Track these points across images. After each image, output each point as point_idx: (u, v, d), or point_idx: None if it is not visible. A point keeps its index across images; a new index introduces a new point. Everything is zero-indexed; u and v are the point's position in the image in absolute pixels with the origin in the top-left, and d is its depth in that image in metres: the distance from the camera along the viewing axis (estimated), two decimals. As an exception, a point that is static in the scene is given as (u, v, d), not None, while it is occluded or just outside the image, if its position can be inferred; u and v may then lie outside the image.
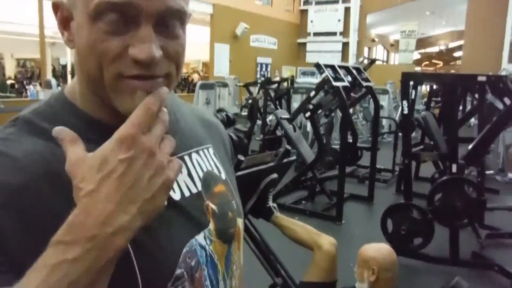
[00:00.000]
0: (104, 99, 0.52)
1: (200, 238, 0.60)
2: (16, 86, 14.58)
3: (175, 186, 0.59)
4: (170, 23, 0.50)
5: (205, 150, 0.69)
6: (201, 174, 0.65)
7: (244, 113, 8.63)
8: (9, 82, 14.91)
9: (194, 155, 0.66)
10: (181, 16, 0.51)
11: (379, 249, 1.91)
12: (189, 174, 0.63)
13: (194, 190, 0.62)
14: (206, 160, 0.68)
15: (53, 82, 7.28)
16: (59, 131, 0.46)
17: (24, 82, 14.80)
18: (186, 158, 0.64)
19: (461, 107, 6.27)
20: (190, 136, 0.67)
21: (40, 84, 11.45)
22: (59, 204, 0.47)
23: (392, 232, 3.33)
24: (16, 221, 0.46)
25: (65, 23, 0.53)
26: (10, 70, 16.68)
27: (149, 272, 0.52)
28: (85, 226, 0.41)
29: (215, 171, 0.68)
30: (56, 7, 0.53)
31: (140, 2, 0.47)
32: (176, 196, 0.59)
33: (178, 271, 0.56)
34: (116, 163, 0.42)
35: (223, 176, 0.70)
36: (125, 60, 0.49)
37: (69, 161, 0.44)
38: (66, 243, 0.40)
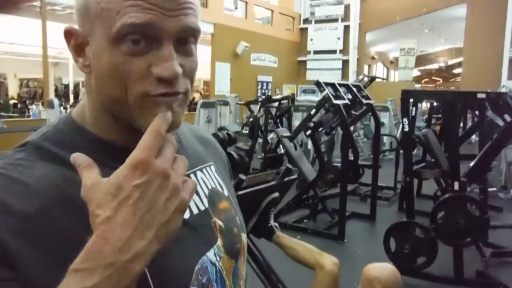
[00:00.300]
0: (126, 119, 0.53)
1: (210, 254, 0.61)
2: (19, 105, 14.67)
3: None
4: (186, 41, 0.53)
5: (208, 168, 0.70)
6: (206, 192, 0.67)
7: (245, 131, 8.64)
8: (12, 102, 15.02)
9: (198, 173, 0.67)
10: (195, 34, 0.54)
11: (383, 269, 1.89)
12: (196, 192, 0.64)
13: (201, 208, 0.64)
14: (210, 178, 0.69)
15: (56, 102, 7.31)
16: (76, 157, 0.47)
17: (27, 101, 14.90)
18: (192, 176, 0.66)
19: (461, 124, 6.27)
20: (193, 155, 0.68)
21: (43, 104, 11.51)
22: (73, 229, 0.48)
23: (395, 251, 3.29)
24: (32, 248, 0.47)
25: (79, 49, 0.54)
26: (13, 90, 16.82)
27: None
28: (103, 253, 0.41)
29: (218, 188, 0.70)
30: (69, 34, 0.54)
31: (161, 23, 0.49)
32: (185, 214, 0.59)
33: None
34: (131, 189, 0.43)
35: (226, 192, 0.72)
36: (149, 80, 0.50)
37: (84, 187, 0.44)
38: (85, 271, 0.40)
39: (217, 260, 0.62)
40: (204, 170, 0.69)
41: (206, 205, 0.65)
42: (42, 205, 0.49)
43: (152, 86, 0.50)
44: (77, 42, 0.54)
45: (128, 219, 0.42)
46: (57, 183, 0.51)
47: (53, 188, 0.50)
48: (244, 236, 0.71)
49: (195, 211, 0.63)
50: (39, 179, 0.50)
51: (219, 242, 0.64)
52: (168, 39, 0.50)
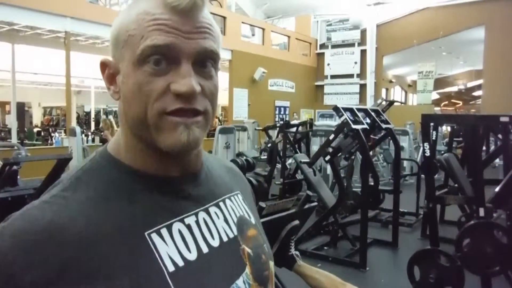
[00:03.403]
0: (148, 141, 0.56)
1: (240, 282, 0.62)
2: (42, 133, 15.06)
3: (214, 232, 0.63)
4: (205, 63, 0.56)
5: (235, 197, 0.72)
6: (235, 219, 0.68)
7: (264, 156, 8.64)
8: (35, 129, 15.44)
9: (227, 201, 0.69)
10: (213, 57, 0.57)
11: None
12: (225, 220, 0.66)
13: (231, 235, 0.65)
14: (238, 206, 0.71)
15: (78, 129, 7.48)
16: None
17: (50, 129, 15.29)
18: (221, 204, 0.67)
19: (484, 148, 6.15)
20: (221, 183, 0.70)
21: (65, 131, 11.79)
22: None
23: (420, 280, 3.19)
24: None
25: (111, 78, 0.59)
26: (37, 118, 17.31)
27: None
28: None
29: (246, 216, 0.71)
30: (104, 66, 0.59)
31: (180, 44, 0.53)
32: (215, 242, 0.62)
33: None
34: None
35: (253, 220, 0.73)
36: (168, 97, 0.54)
37: None
38: None
39: (246, 287, 0.62)
40: (232, 198, 0.71)
41: (235, 233, 0.66)
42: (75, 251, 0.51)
43: (169, 103, 0.53)
44: (110, 72, 0.58)
45: None
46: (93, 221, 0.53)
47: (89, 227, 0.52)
48: (271, 264, 0.71)
49: (225, 238, 0.64)
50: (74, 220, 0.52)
51: (248, 269, 0.64)
52: (187, 59, 0.54)
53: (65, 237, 0.49)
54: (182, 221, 0.59)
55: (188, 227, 0.59)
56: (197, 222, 0.61)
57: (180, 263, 0.55)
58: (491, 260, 3.00)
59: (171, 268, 0.54)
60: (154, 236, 0.55)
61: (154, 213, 0.57)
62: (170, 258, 0.55)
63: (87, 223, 0.51)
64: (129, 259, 0.51)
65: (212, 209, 0.65)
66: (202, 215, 0.62)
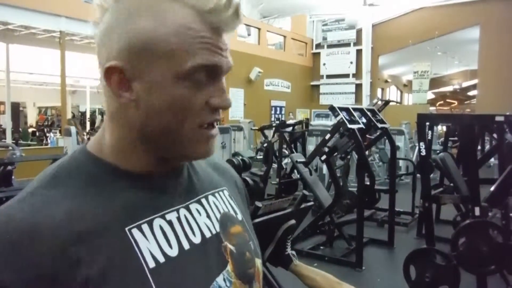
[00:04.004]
0: (172, 150, 0.58)
1: (220, 280, 0.61)
2: (37, 133, 14.98)
3: (195, 228, 0.62)
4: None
5: (221, 193, 0.71)
6: (218, 216, 0.67)
7: (260, 156, 8.64)
8: (30, 130, 15.35)
9: (210, 198, 0.68)
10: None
11: None
12: (208, 216, 0.65)
13: (213, 232, 0.64)
14: (222, 202, 0.70)
15: (73, 130, 7.44)
16: None
17: (45, 130, 15.21)
18: (203, 200, 0.67)
19: (479, 147, 6.17)
20: (205, 180, 0.70)
21: (60, 132, 11.74)
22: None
23: (416, 280, 3.19)
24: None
25: (124, 84, 0.55)
26: (32, 118, 17.22)
27: None
28: None
29: (232, 212, 0.71)
30: (113, 71, 0.55)
31: (222, 62, 0.58)
32: (197, 239, 0.61)
33: None
34: None
35: (240, 217, 0.72)
36: (205, 111, 0.57)
37: None
38: None
39: (226, 285, 0.62)
40: (216, 194, 0.70)
41: (218, 229, 0.65)
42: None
43: (207, 116, 0.57)
44: (122, 78, 0.55)
45: None
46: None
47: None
48: (258, 261, 0.71)
49: (208, 235, 0.63)
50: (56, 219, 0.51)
51: (229, 267, 0.64)
52: (222, 75, 0.59)
53: (45, 237, 0.49)
54: (163, 217, 0.59)
55: (170, 223, 0.59)
56: (178, 218, 0.61)
57: (161, 259, 0.55)
58: (487, 259, 3.01)
59: (151, 264, 0.54)
60: (135, 231, 0.55)
61: (135, 208, 0.57)
62: (151, 254, 0.55)
63: (68, 220, 0.51)
64: (109, 255, 0.51)
65: (193, 206, 0.64)
66: (183, 211, 0.62)
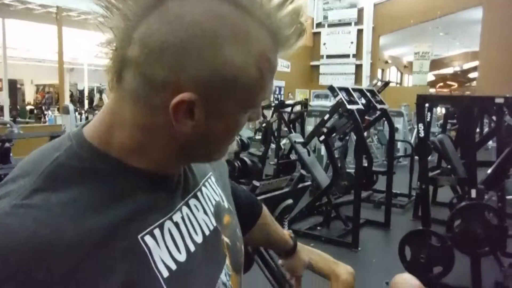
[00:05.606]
0: (198, 157, 0.57)
1: (222, 276, 0.60)
2: (35, 111, 14.92)
3: (196, 227, 0.59)
4: None
5: (209, 180, 0.68)
6: (212, 208, 0.64)
7: (258, 136, 8.63)
8: (28, 107, 15.28)
9: (203, 189, 0.65)
10: None
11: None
12: (204, 211, 0.62)
13: (211, 227, 0.62)
14: (212, 191, 0.67)
15: (71, 107, 7.41)
16: None
17: (43, 107, 15.14)
18: (199, 194, 0.63)
19: (478, 130, 6.16)
20: (196, 169, 0.66)
21: (58, 109, 11.68)
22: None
23: (411, 260, 3.23)
24: None
25: (190, 113, 0.48)
26: (30, 95, 17.12)
27: None
28: None
29: (220, 200, 0.68)
30: (186, 104, 0.47)
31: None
32: (199, 238, 0.58)
33: None
34: None
35: (226, 204, 0.69)
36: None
37: None
38: None
39: (227, 280, 0.61)
40: (206, 183, 0.67)
41: (214, 223, 0.63)
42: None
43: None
44: (192, 108, 0.48)
45: None
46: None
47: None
48: (243, 248, 0.70)
49: (207, 232, 0.60)
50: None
51: (227, 260, 0.63)
52: None
53: (53, 252, 0.42)
54: (171, 219, 0.55)
55: (176, 224, 0.55)
56: (182, 218, 0.57)
57: (173, 266, 0.52)
58: (481, 241, 3.05)
59: (165, 273, 0.50)
60: (148, 238, 0.50)
61: (146, 212, 0.51)
62: (163, 262, 0.51)
63: (76, 231, 0.44)
64: (125, 269, 0.46)
65: (192, 202, 0.61)
66: (184, 210, 0.58)
